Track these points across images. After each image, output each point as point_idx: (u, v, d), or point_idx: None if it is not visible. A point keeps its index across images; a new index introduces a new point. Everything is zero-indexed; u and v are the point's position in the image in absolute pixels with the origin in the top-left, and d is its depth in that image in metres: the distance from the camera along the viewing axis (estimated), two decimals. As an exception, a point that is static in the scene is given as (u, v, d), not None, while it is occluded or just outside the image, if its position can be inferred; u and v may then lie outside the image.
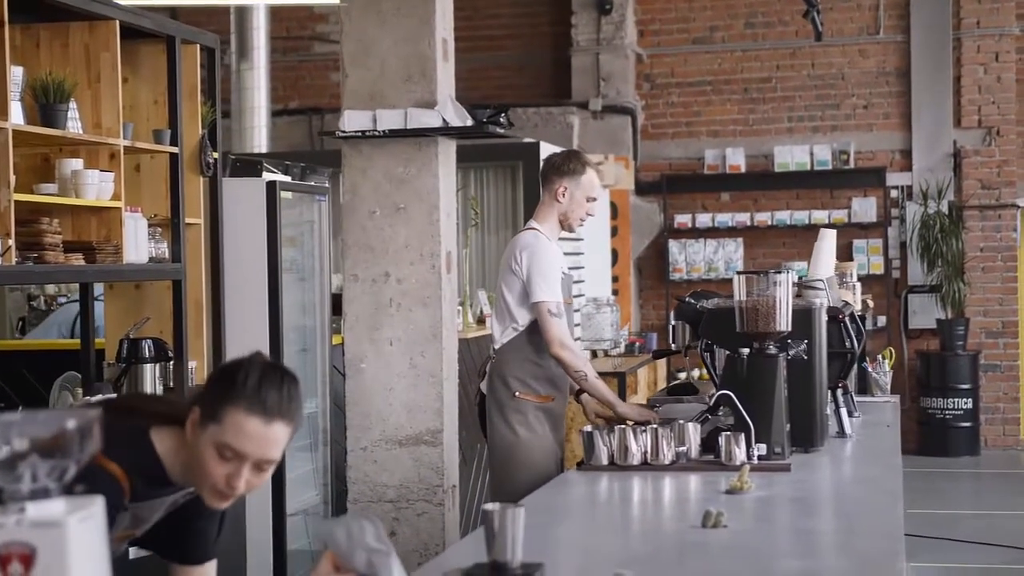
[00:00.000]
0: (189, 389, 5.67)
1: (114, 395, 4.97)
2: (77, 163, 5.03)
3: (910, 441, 12.50)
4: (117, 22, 5.19)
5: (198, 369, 5.88)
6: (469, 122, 5.67)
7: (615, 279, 12.44)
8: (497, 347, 5.29)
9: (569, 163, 5.33)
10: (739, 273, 4.44)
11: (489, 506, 2.70)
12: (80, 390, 5.47)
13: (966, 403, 12.35)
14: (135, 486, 2.65)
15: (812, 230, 12.56)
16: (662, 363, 11.14)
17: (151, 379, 5.43)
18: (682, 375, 12.12)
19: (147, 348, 5.44)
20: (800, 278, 5.29)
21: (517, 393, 5.21)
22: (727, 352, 4.50)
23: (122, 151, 5.22)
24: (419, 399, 5.72)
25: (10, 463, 1.71)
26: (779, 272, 4.39)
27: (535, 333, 5.16)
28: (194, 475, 2.67)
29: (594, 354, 10.21)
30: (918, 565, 8.02)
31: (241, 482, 2.62)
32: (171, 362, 5.62)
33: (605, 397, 5.15)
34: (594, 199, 5.36)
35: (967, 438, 12.40)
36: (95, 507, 1.74)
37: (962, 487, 11.44)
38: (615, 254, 12.50)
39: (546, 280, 5.12)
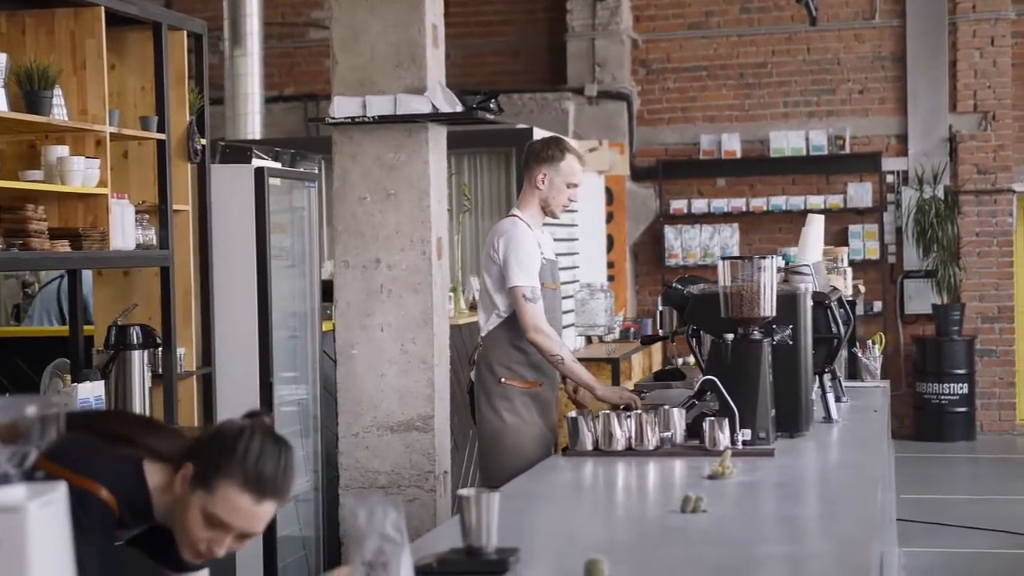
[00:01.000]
0: (181, 394, 5.67)
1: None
2: (63, 150, 5.02)
3: (906, 426, 12.52)
4: (102, 8, 5.18)
5: (187, 356, 5.88)
6: (459, 108, 5.66)
7: (611, 265, 12.44)
8: (483, 334, 5.32)
9: (548, 150, 5.33)
10: (724, 258, 4.45)
11: (464, 491, 2.72)
12: (69, 376, 5.47)
13: (962, 388, 12.35)
14: (123, 515, 2.67)
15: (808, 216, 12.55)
16: (657, 349, 11.15)
17: (139, 366, 5.43)
18: (678, 361, 12.12)
19: (135, 335, 5.43)
20: (787, 263, 5.28)
21: (503, 379, 5.23)
22: (712, 337, 4.51)
23: (108, 138, 5.21)
24: (410, 385, 5.73)
25: (-30, 450, 1.72)
26: (764, 258, 4.39)
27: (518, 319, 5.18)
28: (176, 525, 2.69)
29: (588, 340, 10.21)
30: (912, 550, 8.03)
31: (222, 549, 2.65)
32: (159, 349, 5.62)
33: (583, 380, 5.16)
34: (575, 185, 5.35)
35: (963, 423, 12.40)
36: (56, 493, 1.74)
37: (957, 472, 11.45)
38: (611, 240, 12.50)
39: (521, 265, 5.13)
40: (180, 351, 5.78)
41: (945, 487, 10.58)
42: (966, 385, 12.37)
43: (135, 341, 5.43)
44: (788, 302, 4.52)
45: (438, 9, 5.88)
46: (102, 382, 5.22)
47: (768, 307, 4.36)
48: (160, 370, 5.64)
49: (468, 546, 2.71)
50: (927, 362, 12.45)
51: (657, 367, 10.93)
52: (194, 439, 2.73)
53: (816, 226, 5.66)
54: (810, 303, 4.69)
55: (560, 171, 5.29)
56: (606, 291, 10.05)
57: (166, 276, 5.68)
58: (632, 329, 10.78)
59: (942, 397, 12.36)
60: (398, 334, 5.72)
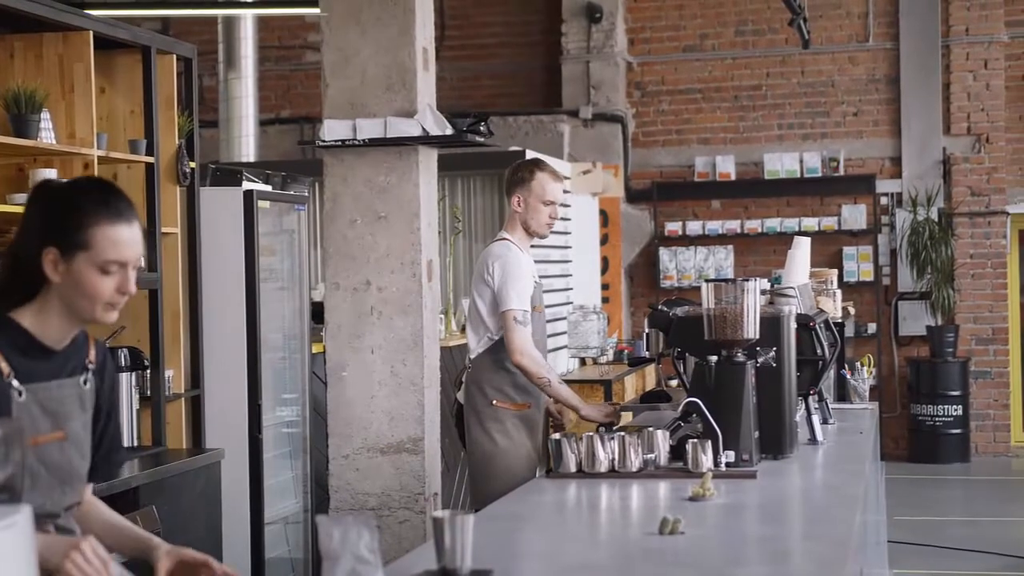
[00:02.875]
0: (165, 395, 5.68)
1: None
2: (51, 173, 5.04)
3: (900, 448, 12.52)
4: (91, 33, 5.21)
5: (175, 378, 5.90)
6: (448, 131, 5.69)
7: (606, 287, 12.46)
8: (472, 356, 5.37)
9: (518, 172, 5.43)
10: (707, 281, 4.46)
11: (438, 514, 2.73)
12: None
13: (956, 410, 12.35)
14: (14, 364, 2.72)
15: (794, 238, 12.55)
16: (651, 370, 11.14)
17: (127, 388, 5.44)
18: (673, 383, 12.10)
19: (123, 357, 5.45)
20: (773, 285, 5.30)
21: (494, 401, 5.27)
22: (696, 359, 4.52)
23: (95, 161, 5.24)
24: (400, 407, 5.74)
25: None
26: (747, 280, 4.40)
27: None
28: (76, 312, 2.76)
29: (582, 362, 10.22)
30: (905, 572, 8.03)
31: (131, 285, 2.75)
32: (147, 371, 5.63)
33: (569, 402, 5.21)
34: (551, 202, 5.39)
35: (957, 445, 12.40)
36: (20, 515, 1.76)
37: (952, 494, 11.44)
38: (606, 262, 12.52)
39: (515, 290, 5.19)
40: (168, 373, 5.79)
41: (939, 509, 10.57)
42: (960, 407, 12.37)
43: (123, 363, 5.44)
44: (772, 324, 4.53)
45: (429, 33, 5.91)
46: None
47: (751, 329, 4.37)
48: (148, 392, 5.65)
49: (442, 568, 2.72)
50: (921, 384, 12.45)
51: (651, 389, 10.91)
52: (27, 230, 2.77)
53: (802, 249, 5.68)
54: (794, 325, 4.70)
55: (532, 191, 5.36)
56: (599, 313, 10.06)
57: (154, 298, 5.70)
58: (626, 351, 10.78)
59: (936, 419, 12.36)
60: (388, 356, 5.73)
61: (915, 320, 12.66)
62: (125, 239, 2.73)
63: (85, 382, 2.87)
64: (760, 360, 4.45)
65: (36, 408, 2.75)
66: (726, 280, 4.44)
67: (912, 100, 12.74)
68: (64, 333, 2.81)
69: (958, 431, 12.38)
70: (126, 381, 5.42)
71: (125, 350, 5.47)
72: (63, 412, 2.81)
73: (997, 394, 12.71)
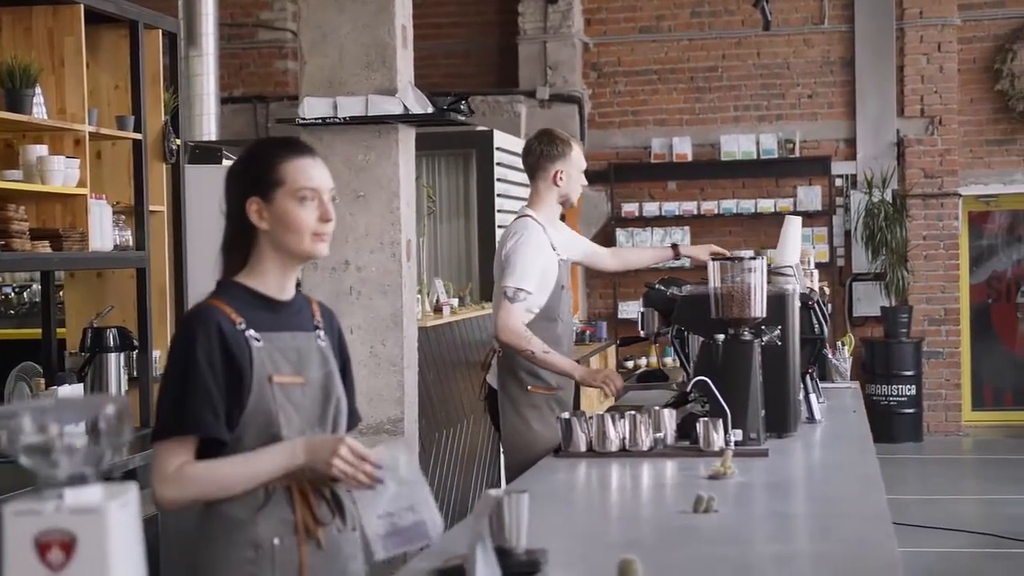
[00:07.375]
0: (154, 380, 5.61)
1: None
2: (42, 149, 4.95)
3: (855, 427, 12.64)
4: (81, 6, 5.11)
5: (161, 358, 5.81)
6: (429, 109, 5.64)
7: (562, 268, 12.44)
8: (503, 340, 5.15)
9: (556, 146, 5.34)
10: (714, 259, 4.45)
11: (494, 492, 2.70)
12: (42, 380, 5.38)
13: (909, 390, 12.49)
14: (243, 313, 2.86)
15: (758, 219, 12.69)
16: (611, 351, 11.18)
17: (115, 368, 5.36)
18: (629, 363, 12.16)
19: (111, 337, 5.36)
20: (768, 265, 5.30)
21: (530, 387, 5.16)
22: (701, 339, 4.51)
23: (87, 137, 5.14)
24: (380, 388, 5.71)
25: (46, 449, 1.69)
26: (754, 258, 4.40)
27: (542, 323, 5.12)
28: (288, 250, 2.90)
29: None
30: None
31: (329, 210, 2.90)
32: (135, 351, 5.54)
33: (562, 370, 5.12)
34: (584, 168, 5.45)
35: (910, 424, 12.55)
36: (130, 494, 1.72)
37: (906, 472, 11.57)
38: (562, 243, 12.50)
39: (517, 266, 5.08)
40: (156, 353, 5.71)
41: (894, 487, 10.64)
42: (914, 387, 12.51)
43: (111, 344, 5.35)
44: (777, 303, 4.53)
45: (407, 10, 5.86)
46: (81, 385, 5.14)
47: (758, 308, 4.37)
48: (136, 372, 5.56)
49: (498, 547, 2.69)
50: (875, 364, 12.58)
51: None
52: (229, 199, 2.96)
53: (794, 228, 5.69)
54: (798, 304, 4.71)
55: (572, 162, 5.36)
56: (564, 293, 10.05)
57: (142, 278, 5.60)
58: (588, 332, 10.80)
59: (890, 398, 12.49)
60: (368, 336, 5.70)
61: (869, 301, 12.78)
62: (310, 169, 2.91)
63: (320, 339, 2.98)
64: (766, 338, 4.45)
65: (277, 354, 2.88)
66: (733, 258, 4.44)
67: (866, 82, 12.84)
68: (282, 281, 2.94)
69: (911, 411, 12.53)
70: (115, 361, 5.33)
71: (114, 330, 5.38)
72: (302, 361, 2.92)
73: (949, 374, 12.87)
